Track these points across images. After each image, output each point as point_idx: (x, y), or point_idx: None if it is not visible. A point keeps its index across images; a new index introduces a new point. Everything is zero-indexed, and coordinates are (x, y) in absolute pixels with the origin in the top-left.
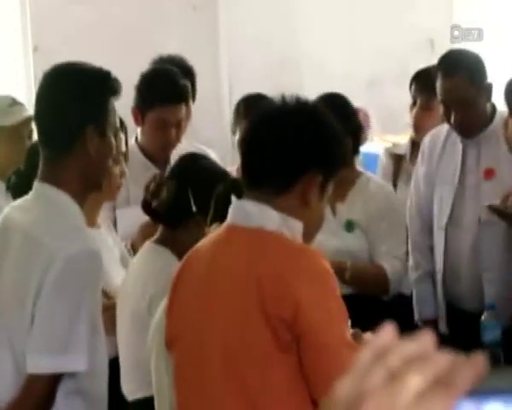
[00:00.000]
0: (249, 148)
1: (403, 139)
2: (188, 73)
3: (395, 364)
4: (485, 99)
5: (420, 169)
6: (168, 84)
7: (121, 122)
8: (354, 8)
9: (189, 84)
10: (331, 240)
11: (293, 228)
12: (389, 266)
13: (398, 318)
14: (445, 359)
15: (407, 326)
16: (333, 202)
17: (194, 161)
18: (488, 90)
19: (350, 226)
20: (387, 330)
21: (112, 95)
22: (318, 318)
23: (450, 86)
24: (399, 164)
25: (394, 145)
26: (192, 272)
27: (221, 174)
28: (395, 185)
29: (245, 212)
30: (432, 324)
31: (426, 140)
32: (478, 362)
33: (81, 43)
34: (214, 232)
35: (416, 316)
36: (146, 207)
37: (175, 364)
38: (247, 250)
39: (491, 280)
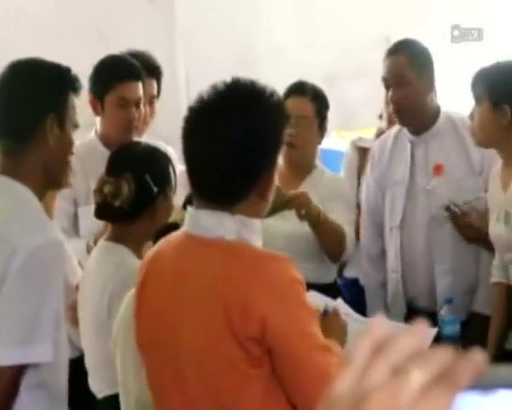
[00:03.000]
0: (195, 161)
1: (361, 135)
2: (155, 71)
3: (397, 359)
4: (425, 88)
5: (370, 175)
6: (124, 64)
7: None
8: (312, 4)
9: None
10: (286, 225)
11: (253, 229)
12: (344, 228)
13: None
14: (446, 354)
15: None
16: (288, 189)
17: (132, 148)
18: (429, 82)
19: None
20: (380, 322)
21: (71, 90)
22: (286, 330)
23: (390, 63)
24: (364, 158)
25: (360, 139)
26: (157, 281)
27: (157, 149)
28: (359, 179)
29: (202, 223)
30: None
31: (375, 145)
32: (478, 358)
33: (31, 34)
34: (173, 238)
35: None
36: (103, 210)
37: (150, 372)
38: (210, 268)
39: (443, 272)
